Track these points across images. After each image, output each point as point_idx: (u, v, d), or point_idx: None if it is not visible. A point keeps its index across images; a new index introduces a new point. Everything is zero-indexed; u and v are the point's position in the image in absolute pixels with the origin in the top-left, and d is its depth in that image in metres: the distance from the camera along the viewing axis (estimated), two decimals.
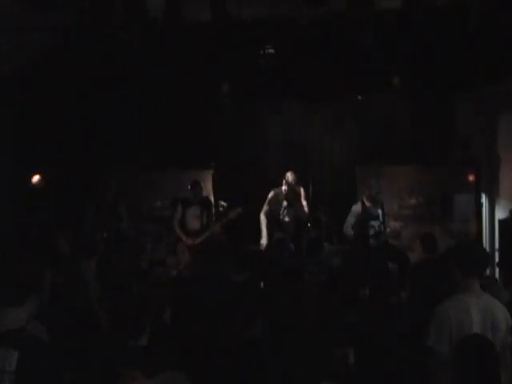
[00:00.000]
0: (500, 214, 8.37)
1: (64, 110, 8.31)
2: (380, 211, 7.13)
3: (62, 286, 5.39)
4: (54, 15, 5.89)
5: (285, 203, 7.48)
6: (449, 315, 3.29)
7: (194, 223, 7.32)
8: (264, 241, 7.50)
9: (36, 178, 8.12)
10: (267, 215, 7.59)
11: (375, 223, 7.06)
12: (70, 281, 5.70)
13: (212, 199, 8.18)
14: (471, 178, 8.39)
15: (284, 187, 7.46)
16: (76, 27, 6.21)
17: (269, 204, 7.60)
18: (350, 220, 7.14)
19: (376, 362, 3.40)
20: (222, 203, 8.43)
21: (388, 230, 7.14)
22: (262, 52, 7.40)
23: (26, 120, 8.09)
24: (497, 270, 7.84)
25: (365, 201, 7.20)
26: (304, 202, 7.58)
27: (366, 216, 7.09)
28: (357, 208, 7.18)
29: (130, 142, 8.85)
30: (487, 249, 8.50)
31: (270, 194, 7.64)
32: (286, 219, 7.48)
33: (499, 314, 3.35)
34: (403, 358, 3.57)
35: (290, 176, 7.46)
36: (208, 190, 8.27)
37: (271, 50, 7.38)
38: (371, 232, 6.89)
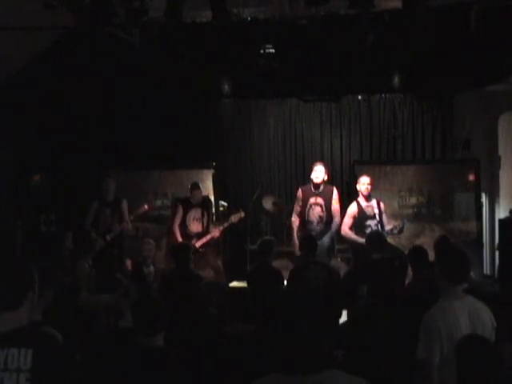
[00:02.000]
0: (500, 214, 8.37)
1: (64, 109, 8.31)
2: (377, 210, 7.08)
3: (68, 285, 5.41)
4: (54, 15, 5.89)
5: (312, 199, 7.09)
6: (437, 325, 3.24)
7: (195, 226, 7.30)
8: (296, 248, 6.93)
9: (36, 178, 8.12)
10: (299, 216, 7.16)
11: (372, 222, 7.03)
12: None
13: (212, 199, 8.18)
14: (471, 177, 8.38)
15: (313, 179, 7.04)
16: (76, 27, 6.21)
17: (297, 203, 7.20)
18: (347, 221, 7.10)
19: (375, 362, 3.39)
20: (222, 203, 8.43)
21: (387, 228, 7.07)
22: (261, 52, 7.39)
23: (26, 120, 8.10)
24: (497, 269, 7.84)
25: (360, 200, 7.17)
26: (335, 203, 7.13)
27: (362, 215, 7.06)
28: (352, 208, 7.14)
29: (130, 141, 8.85)
30: (487, 249, 8.52)
31: (298, 192, 7.27)
32: (312, 219, 7.09)
33: (485, 315, 3.34)
34: (402, 358, 3.57)
35: (318, 166, 7.07)
36: (208, 189, 8.27)
37: (271, 50, 7.36)
38: (367, 231, 6.81)
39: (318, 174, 7.11)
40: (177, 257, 5.69)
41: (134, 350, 3.01)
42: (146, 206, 7.71)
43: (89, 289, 5.55)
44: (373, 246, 5.85)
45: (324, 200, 7.10)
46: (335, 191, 7.23)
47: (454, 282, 3.36)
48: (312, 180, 7.16)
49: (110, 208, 7.34)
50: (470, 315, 3.28)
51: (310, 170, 7.30)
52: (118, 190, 7.60)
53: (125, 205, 7.45)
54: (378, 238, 6.10)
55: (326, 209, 7.10)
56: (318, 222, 7.08)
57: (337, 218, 7.12)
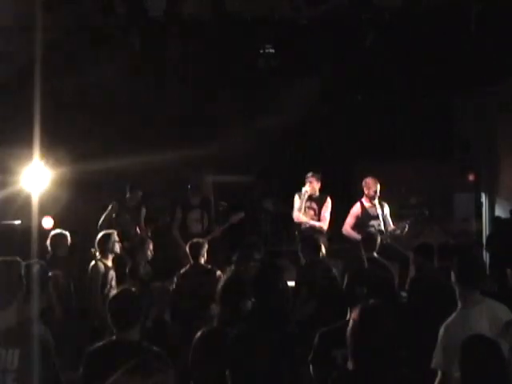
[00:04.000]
0: (500, 214, 8.36)
1: (64, 109, 8.31)
2: (380, 211, 7.11)
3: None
4: (54, 15, 5.90)
5: (307, 203, 7.18)
6: (456, 334, 3.12)
7: (195, 227, 7.28)
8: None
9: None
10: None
11: (375, 223, 7.05)
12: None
13: (212, 199, 8.16)
14: (471, 177, 8.38)
15: (306, 189, 7.16)
16: (76, 27, 6.22)
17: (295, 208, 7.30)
18: (350, 221, 7.13)
19: (375, 362, 3.38)
20: (222, 203, 8.42)
21: (390, 228, 7.10)
22: (261, 52, 7.40)
23: (26, 120, 8.09)
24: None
25: (364, 200, 7.19)
26: (325, 211, 7.16)
27: (365, 216, 7.08)
28: (356, 208, 7.17)
29: (129, 141, 8.83)
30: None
31: (295, 198, 7.34)
32: (305, 221, 7.17)
33: (503, 317, 3.27)
34: (403, 359, 3.56)
35: (311, 178, 7.18)
36: (208, 190, 8.26)
37: (271, 50, 7.37)
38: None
39: (314, 185, 7.17)
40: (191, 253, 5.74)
41: (109, 344, 2.99)
42: (144, 210, 7.55)
43: (107, 289, 5.54)
44: (367, 245, 5.88)
45: (317, 205, 7.20)
46: (329, 200, 7.26)
47: (470, 287, 3.31)
48: (307, 192, 7.19)
49: (130, 214, 7.18)
50: (489, 320, 3.21)
51: (304, 181, 7.29)
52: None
53: (143, 212, 7.32)
54: (372, 237, 6.10)
55: (318, 214, 7.20)
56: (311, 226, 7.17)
57: (322, 223, 7.14)
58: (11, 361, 2.37)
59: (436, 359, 3.22)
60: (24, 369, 2.37)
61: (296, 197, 7.39)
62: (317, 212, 7.24)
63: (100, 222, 7.03)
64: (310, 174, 7.29)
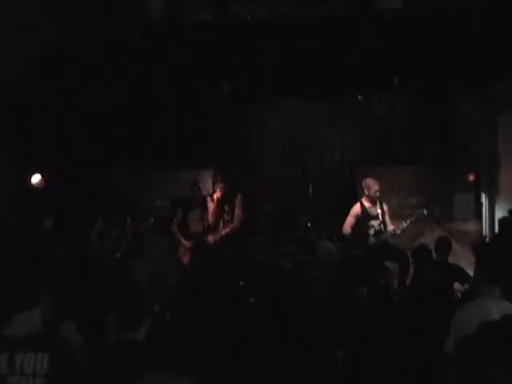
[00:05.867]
0: (500, 214, 8.37)
1: (64, 109, 8.31)
2: (379, 211, 7.13)
3: None
4: (54, 15, 5.90)
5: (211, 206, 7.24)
6: (470, 320, 3.12)
7: (195, 226, 7.28)
8: None
9: (36, 178, 8.10)
10: None
11: (375, 223, 7.07)
12: None
13: None
14: (471, 177, 8.39)
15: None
16: (76, 27, 6.22)
17: None
18: (350, 220, 7.14)
19: (375, 362, 3.40)
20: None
21: (390, 228, 7.11)
22: (262, 52, 7.40)
23: (27, 120, 8.10)
24: None
25: (364, 201, 7.21)
26: (237, 211, 7.19)
27: (365, 216, 7.10)
28: (356, 208, 7.19)
29: (130, 141, 8.85)
30: None
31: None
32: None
33: None
34: (403, 357, 3.57)
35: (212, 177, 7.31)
36: (208, 190, 8.26)
37: (271, 50, 7.37)
38: (371, 232, 6.88)
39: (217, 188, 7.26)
40: None
41: (115, 344, 2.97)
42: (151, 220, 7.58)
43: None
44: (355, 241, 5.91)
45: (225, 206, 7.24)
46: (238, 197, 7.29)
47: (491, 282, 3.32)
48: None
49: (116, 226, 7.18)
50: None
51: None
52: (117, 189, 7.54)
53: (129, 220, 7.30)
54: (378, 238, 6.13)
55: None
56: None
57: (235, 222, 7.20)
58: (40, 365, 2.36)
59: (447, 342, 3.25)
60: (53, 374, 2.35)
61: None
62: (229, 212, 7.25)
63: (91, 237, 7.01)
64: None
